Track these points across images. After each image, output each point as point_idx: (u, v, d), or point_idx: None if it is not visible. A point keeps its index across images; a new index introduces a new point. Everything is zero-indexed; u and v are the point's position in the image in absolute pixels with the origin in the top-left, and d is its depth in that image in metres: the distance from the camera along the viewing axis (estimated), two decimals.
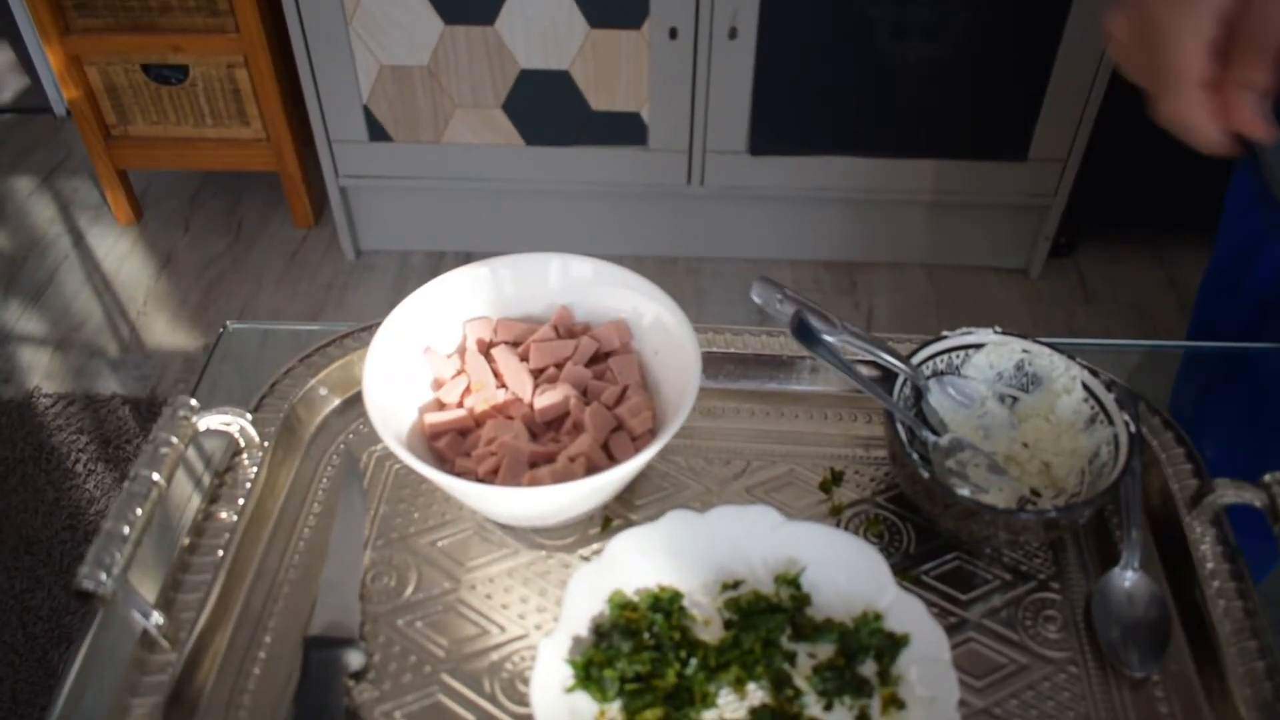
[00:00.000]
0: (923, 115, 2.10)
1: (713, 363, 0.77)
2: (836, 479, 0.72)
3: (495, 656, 0.62)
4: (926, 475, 0.63)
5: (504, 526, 0.69)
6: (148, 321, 2.19)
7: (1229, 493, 0.66)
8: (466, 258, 2.34)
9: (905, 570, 0.66)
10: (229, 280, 2.30)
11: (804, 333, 0.66)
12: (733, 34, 1.95)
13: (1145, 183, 2.25)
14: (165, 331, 2.18)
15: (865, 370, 0.72)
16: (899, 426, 0.65)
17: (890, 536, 0.69)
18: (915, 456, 0.64)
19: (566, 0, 1.94)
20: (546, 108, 2.09)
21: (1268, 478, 0.65)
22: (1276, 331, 0.87)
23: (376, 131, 2.12)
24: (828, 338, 0.67)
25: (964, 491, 0.66)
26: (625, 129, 2.11)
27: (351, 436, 0.75)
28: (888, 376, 0.70)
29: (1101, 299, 2.30)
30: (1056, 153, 2.12)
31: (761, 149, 2.12)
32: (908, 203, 2.26)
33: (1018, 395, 0.73)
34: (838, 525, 0.69)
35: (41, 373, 2.07)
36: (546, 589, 0.65)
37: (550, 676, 0.57)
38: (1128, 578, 0.65)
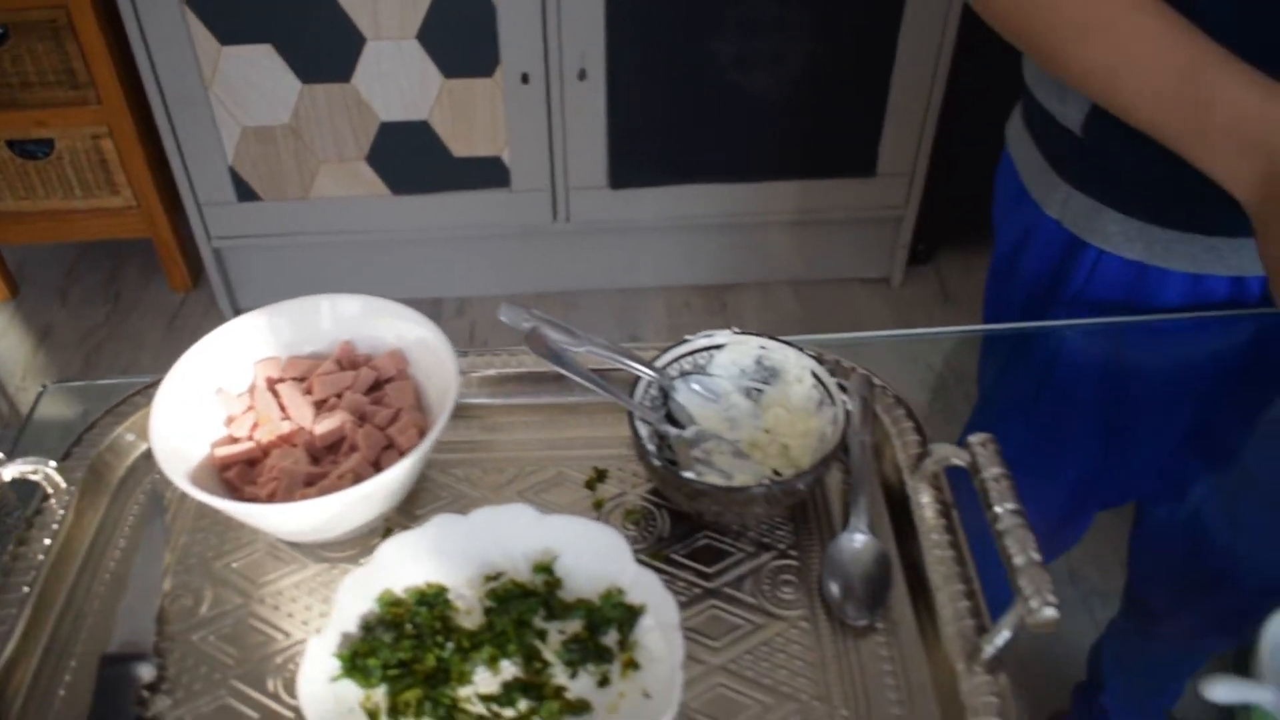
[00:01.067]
0: (774, 139, 2.20)
1: (494, 383, 0.84)
2: (601, 476, 0.79)
3: (279, 659, 0.68)
4: (658, 464, 0.71)
5: (293, 545, 0.75)
6: (26, 397, 2.21)
7: (940, 455, 0.75)
8: None
9: (658, 551, 0.74)
10: (108, 349, 2.32)
11: (540, 347, 0.73)
12: (582, 75, 2.04)
13: (990, 189, 2.38)
14: (44, 404, 2.19)
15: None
16: (637, 423, 0.73)
17: (646, 523, 0.76)
18: (652, 448, 0.72)
19: (419, 53, 2.01)
20: (409, 157, 2.16)
21: (971, 439, 0.73)
22: (1046, 314, 0.99)
23: (244, 192, 2.17)
24: (572, 349, 0.75)
25: (711, 477, 0.74)
26: (488, 172, 2.18)
27: (158, 476, 0.81)
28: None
29: (959, 299, 2.42)
30: (902, 167, 2.24)
31: (622, 182, 2.21)
32: (769, 224, 2.36)
33: (760, 388, 0.81)
34: (599, 517, 0.76)
35: None
36: (330, 596, 0.71)
37: (318, 668, 0.63)
38: (856, 539, 0.73)
